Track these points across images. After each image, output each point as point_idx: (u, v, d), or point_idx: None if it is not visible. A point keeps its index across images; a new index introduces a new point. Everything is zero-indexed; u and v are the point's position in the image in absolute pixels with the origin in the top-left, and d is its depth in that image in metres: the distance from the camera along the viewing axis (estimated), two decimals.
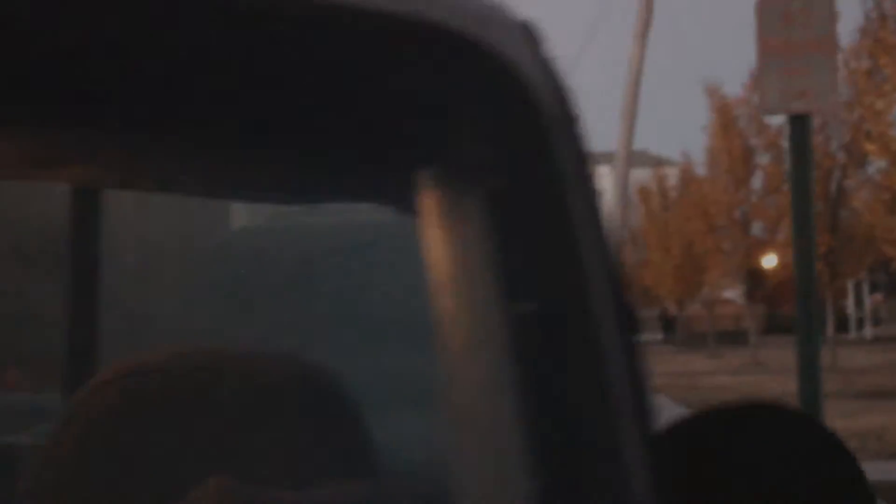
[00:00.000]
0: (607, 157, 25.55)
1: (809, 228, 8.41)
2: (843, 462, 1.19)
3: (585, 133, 1.43)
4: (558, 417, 1.07)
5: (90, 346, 1.61)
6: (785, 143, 21.37)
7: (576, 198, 1.18)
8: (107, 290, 1.50)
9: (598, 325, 1.12)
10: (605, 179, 30.41)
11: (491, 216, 1.15)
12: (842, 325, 48.90)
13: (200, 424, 1.13)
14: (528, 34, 1.29)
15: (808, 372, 8.35)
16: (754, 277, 40.56)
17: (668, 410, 22.36)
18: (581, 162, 1.22)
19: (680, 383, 29.10)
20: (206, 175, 1.17)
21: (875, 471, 13.24)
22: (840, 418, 18.31)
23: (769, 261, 39.10)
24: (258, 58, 1.13)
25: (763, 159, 34.97)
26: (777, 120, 23.44)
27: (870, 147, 23.60)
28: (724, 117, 37.09)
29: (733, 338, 50.86)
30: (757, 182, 37.43)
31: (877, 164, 24.97)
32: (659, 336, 68.25)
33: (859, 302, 56.73)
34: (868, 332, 53.93)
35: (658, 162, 60.78)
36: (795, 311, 8.44)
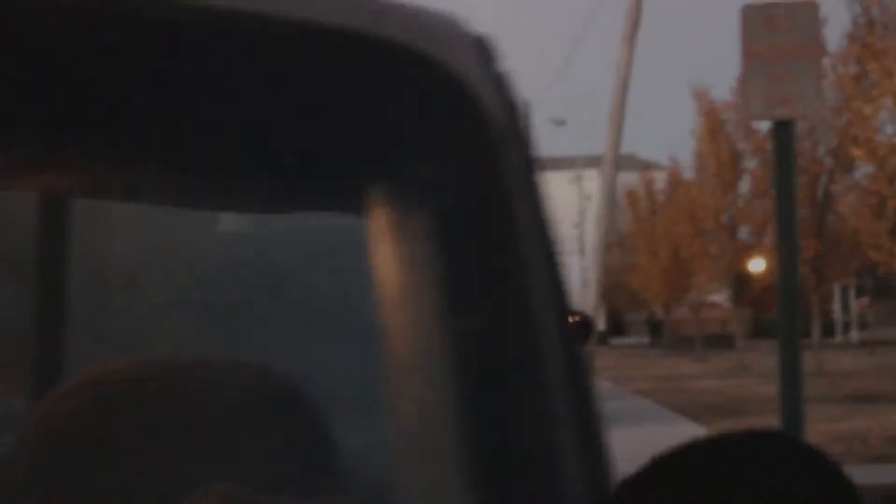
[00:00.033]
0: (595, 161, 25.54)
1: (793, 233, 8.43)
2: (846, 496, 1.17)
3: (535, 148, 1.43)
4: (497, 431, 1.07)
5: (57, 354, 1.60)
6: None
7: (522, 213, 1.18)
8: (75, 297, 1.49)
9: (540, 340, 1.11)
10: (593, 183, 30.37)
11: (438, 231, 1.14)
12: (828, 329, 48.95)
13: (168, 432, 1.13)
14: (480, 49, 1.29)
15: (790, 376, 8.37)
16: (741, 281, 40.61)
17: (653, 413, 22.36)
18: (529, 178, 1.22)
19: (666, 387, 29.11)
20: (165, 184, 1.17)
21: (859, 475, 13.25)
22: (825, 422, 18.33)
23: (756, 265, 39.16)
24: (212, 72, 1.13)
25: (750, 164, 35.00)
26: (765, 124, 23.44)
27: (857, 152, 23.62)
28: (712, 121, 37.10)
29: (720, 341, 50.90)
30: (744, 186, 37.49)
31: (864, 170, 25.03)
32: (646, 339, 68.29)
33: (846, 306, 56.81)
34: (854, 336, 54.00)
35: (646, 166, 60.81)
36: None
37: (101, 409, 1.14)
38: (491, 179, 1.18)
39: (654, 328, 64.99)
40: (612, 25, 23.87)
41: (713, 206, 38.40)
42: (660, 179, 52.17)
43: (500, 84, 1.28)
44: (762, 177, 33.36)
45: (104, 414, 1.14)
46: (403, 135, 1.18)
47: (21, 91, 1.10)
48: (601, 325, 61.18)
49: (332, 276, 1.20)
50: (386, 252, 1.14)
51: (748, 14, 8.33)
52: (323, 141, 1.16)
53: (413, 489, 1.09)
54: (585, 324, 8.42)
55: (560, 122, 59.43)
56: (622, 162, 33.13)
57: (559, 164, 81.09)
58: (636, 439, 18.49)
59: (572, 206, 73.00)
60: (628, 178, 52.59)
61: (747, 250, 39.49)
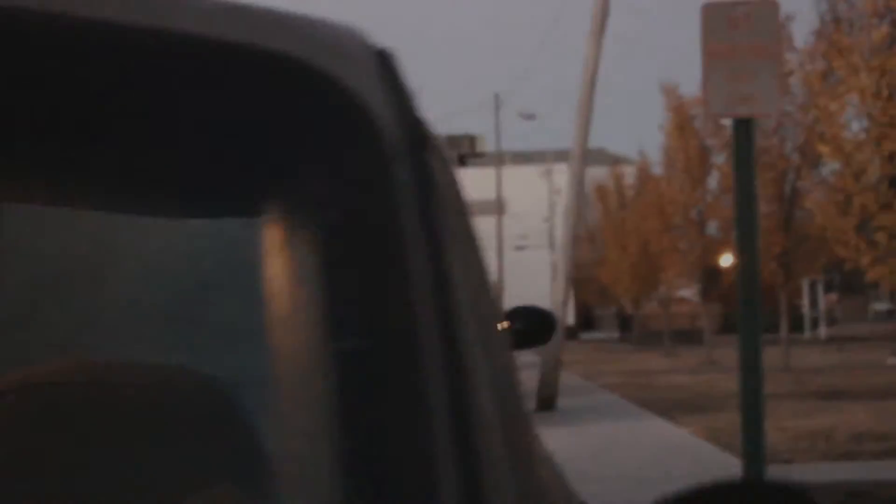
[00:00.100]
0: (565, 155, 25.59)
1: (753, 230, 8.49)
2: None
3: (437, 163, 1.43)
4: (375, 455, 1.07)
5: None
6: None
7: (413, 232, 1.17)
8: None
9: (423, 364, 1.11)
10: (563, 177, 30.41)
11: (328, 249, 1.14)
12: (797, 324, 49.12)
13: (93, 437, 1.12)
14: (379, 63, 1.29)
15: (750, 371, 8.42)
16: (710, 276, 40.71)
17: (621, 408, 22.41)
18: (426, 194, 1.22)
19: (635, 382, 29.18)
20: (66, 189, 1.17)
21: (823, 472, 13.32)
22: (791, 418, 18.40)
23: (725, 260, 39.24)
24: (105, 83, 1.14)
25: (719, 159, 35.08)
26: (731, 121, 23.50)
27: (823, 149, 23.73)
28: (680, 117, 37.18)
29: (689, 336, 51.04)
30: (713, 182, 37.58)
31: (830, 166, 25.13)
32: (616, 334, 68.44)
33: (814, 302, 57.01)
34: (822, 331, 54.19)
35: (616, 160, 60.94)
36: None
37: (24, 414, 1.14)
38: (380, 196, 1.18)
39: (624, 323, 65.13)
40: (585, 20, 23.91)
41: (682, 202, 38.50)
42: (629, 174, 52.28)
43: (398, 99, 1.28)
44: (730, 173, 33.46)
45: (26, 419, 1.14)
46: (294, 149, 1.18)
47: None
48: (571, 319, 61.28)
49: (225, 285, 1.20)
50: (278, 264, 1.14)
51: (709, 12, 8.37)
52: (213, 154, 1.16)
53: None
54: (547, 321, 8.43)
55: (529, 117, 59.48)
56: (592, 156, 33.20)
57: (529, 158, 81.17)
58: (603, 434, 18.47)
59: (542, 200, 73.06)
60: (598, 173, 52.72)
61: (716, 246, 39.60)
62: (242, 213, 1.18)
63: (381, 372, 1.11)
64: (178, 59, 1.18)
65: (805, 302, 56.16)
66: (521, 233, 75.03)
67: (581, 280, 60.27)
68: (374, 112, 1.22)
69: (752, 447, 8.41)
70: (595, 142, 38.50)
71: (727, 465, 12.81)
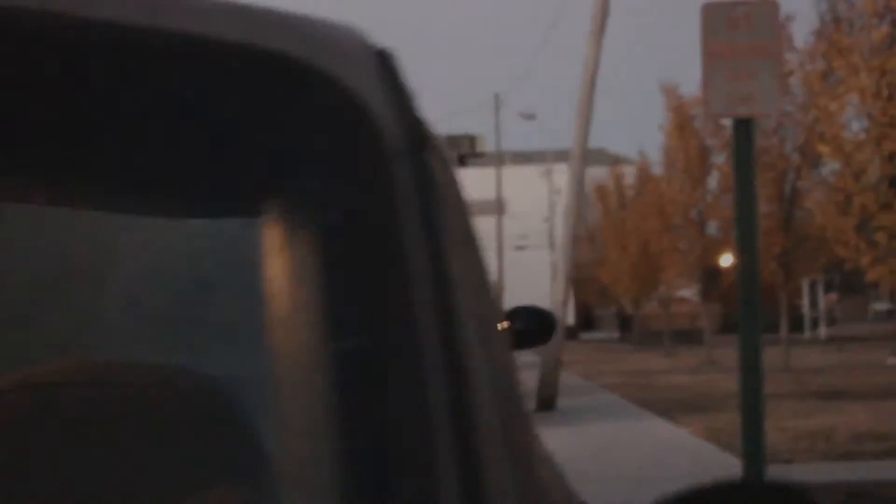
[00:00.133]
0: (566, 155, 25.60)
1: (753, 230, 8.49)
2: None
3: (437, 163, 1.43)
4: (376, 456, 1.07)
5: None
6: None
7: (412, 232, 1.17)
8: None
9: (422, 364, 1.11)
10: (563, 177, 30.46)
11: (327, 249, 1.14)
12: (797, 324, 49.13)
13: (92, 437, 1.12)
14: (379, 63, 1.29)
15: (750, 371, 8.42)
16: (710, 276, 40.72)
17: (621, 408, 22.42)
18: (427, 194, 1.22)
19: (635, 382, 29.18)
20: (67, 189, 1.17)
21: (823, 472, 13.32)
22: (791, 418, 18.40)
23: (725, 260, 39.26)
24: (106, 84, 1.14)
25: (719, 159, 35.07)
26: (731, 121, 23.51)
27: (823, 149, 23.73)
28: (681, 117, 37.18)
29: (689, 336, 51.04)
30: (713, 182, 37.59)
31: (830, 166, 25.13)
32: (616, 334, 68.44)
33: (814, 302, 57.00)
34: (822, 331, 54.18)
35: (616, 160, 60.93)
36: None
37: (21, 415, 1.13)
38: (379, 196, 1.18)
39: (624, 323, 65.14)
40: (586, 20, 23.91)
41: (682, 202, 38.51)
42: (629, 174, 52.28)
43: (398, 99, 1.28)
44: (731, 173, 33.46)
45: (24, 420, 1.13)
46: (295, 149, 1.18)
47: None
48: (571, 319, 61.30)
49: (225, 285, 1.20)
50: (278, 264, 1.14)
51: (709, 12, 8.38)
52: (213, 154, 1.16)
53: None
54: (547, 321, 8.44)
55: (530, 117, 59.50)
56: (592, 156, 33.20)
57: (529, 158, 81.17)
58: (603, 434, 18.46)
59: (542, 200, 73.07)
60: (598, 173, 52.72)
61: (716, 245, 39.61)
62: (242, 213, 1.18)
63: (381, 372, 1.11)
64: (178, 59, 1.18)
65: (805, 302, 56.16)
66: (522, 233, 75.05)
67: (581, 280, 60.26)
68: (374, 112, 1.21)
69: (752, 447, 8.41)
70: (595, 142, 38.55)
71: (727, 466, 12.81)
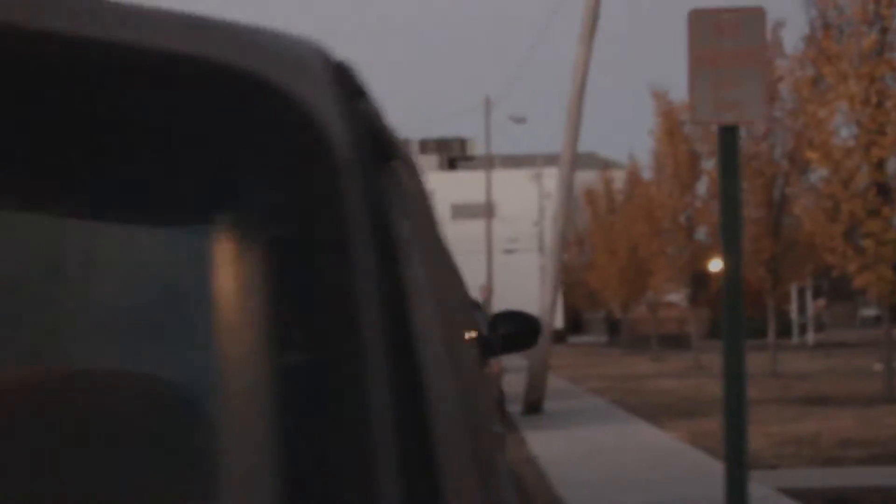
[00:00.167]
0: (556, 159, 25.62)
1: (737, 236, 8.51)
2: None
3: (404, 174, 1.42)
4: (316, 470, 1.07)
5: None
6: None
7: (363, 246, 1.17)
8: None
9: (367, 379, 1.11)
10: (553, 181, 30.47)
11: (274, 262, 1.13)
12: (785, 330, 49.15)
13: (53, 443, 1.11)
14: (336, 74, 1.28)
15: (734, 376, 8.44)
16: (698, 281, 40.77)
17: (607, 412, 22.42)
18: (379, 209, 1.21)
19: (622, 386, 29.20)
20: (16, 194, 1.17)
21: (808, 478, 13.34)
22: (777, 424, 18.44)
23: (713, 265, 39.29)
24: (59, 96, 1.13)
25: (708, 165, 35.10)
26: None
27: (812, 155, 23.76)
28: (670, 122, 37.21)
29: (677, 341, 51.09)
30: (702, 187, 37.63)
31: (819, 172, 25.14)
32: (604, 338, 68.44)
33: (802, 308, 57.03)
34: (811, 337, 54.20)
35: (606, 164, 60.95)
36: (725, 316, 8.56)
37: None
38: (328, 211, 1.17)
39: (613, 327, 65.15)
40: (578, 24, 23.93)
41: (671, 206, 38.55)
42: (619, 179, 52.31)
43: (357, 112, 1.27)
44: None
45: None
46: (244, 162, 1.17)
47: None
48: (559, 323, 61.22)
49: (174, 296, 1.19)
50: (227, 276, 1.13)
51: (695, 19, 8.38)
52: (164, 165, 1.16)
53: None
54: (532, 326, 8.48)
55: (520, 120, 59.45)
56: (582, 161, 33.17)
57: (520, 161, 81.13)
58: (589, 438, 18.45)
59: (532, 203, 73.04)
60: (588, 177, 52.73)
61: (704, 251, 39.65)
62: (192, 225, 1.17)
63: (323, 386, 1.10)
64: (126, 72, 1.18)
65: (793, 307, 56.19)
66: (511, 236, 75.02)
67: (570, 284, 60.29)
68: (326, 125, 1.21)
69: (735, 452, 8.42)
70: (586, 146, 38.57)
71: (712, 471, 12.83)
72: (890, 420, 18.82)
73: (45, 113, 1.15)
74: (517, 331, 8.28)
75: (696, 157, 36.51)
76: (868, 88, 22.24)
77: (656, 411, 21.75)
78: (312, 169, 1.18)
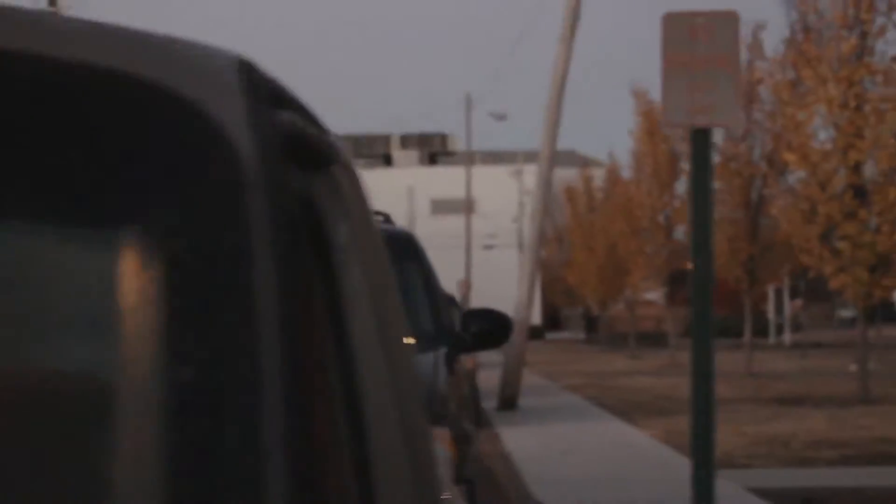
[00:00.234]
0: (536, 156, 25.68)
1: (708, 238, 8.55)
2: None
3: (340, 174, 1.41)
4: (204, 484, 1.07)
5: None
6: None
7: (263, 262, 1.14)
8: None
9: (258, 398, 1.09)
10: (533, 178, 30.50)
11: (173, 277, 1.11)
12: (762, 330, 49.22)
13: None
14: (246, 87, 1.24)
15: (701, 376, 8.48)
16: (676, 280, 40.80)
17: (582, 409, 22.46)
18: (280, 224, 1.17)
19: (598, 383, 29.21)
20: None
21: (780, 478, 13.40)
22: (751, 424, 18.48)
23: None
24: None
25: (687, 165, 35.07)
26: None
27: (790, 157, 23.83)
28: (650, 121, 37.18)
29: (654, 339, 51.08)
30: (681, 187, 37.66)
31: (796, 174, 25.21)
32: (582, 335, 68.40)
33: (779, 308, 57.08)
34: (787, 337, 54.23)
35: (586, 162, 60.93)
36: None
37: None
38: (228, 226, 1.14)
39: (590, 324, 65.13)
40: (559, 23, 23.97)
41: (650, 205, 38.60)
42: (598, 176, 52.31)
43: (270, 123, 1.24)
44: None
45: None
46: (147, 174, 1.15)
47: None
48: (537, 319, 61.23)
49: (74, 308, 1.16)
50: (125, 290, 1.11)
51: (669, 22, 8.41)
52: (61, 177, 1.14)
53: None
54: (503, 323, 8.53)
55: (500, 117, 59.43)
56: (562, 158, 33.19)
57: (500, 158, 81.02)
58: (562, 435, 18.49)
59: (512, 200, 72.97)
60: (567, 174, 52.72)
61: (683, 250, 39.69)
62: (92, 237, 1.14)
63: (216, 403, 1.09)
64: (26, 81, 1.16)
65: (770, 308, 56.25)
66: (491, 232, 74.89)
67: (548, 280, 60.29)
68: (233, 136, 1.18)
69: (702, 452, 8.45)
70: (566, 143, 38.56)
71: (684, 469, 12.91)
72: (864, 421, 18.90)
73: None
74: (489, 328, 8.33)
75: (676, 156, 36.54)
76: (847, 92, 22.34)
77: (632, 409, 21.81)
78: (215, 180, 1.15)
